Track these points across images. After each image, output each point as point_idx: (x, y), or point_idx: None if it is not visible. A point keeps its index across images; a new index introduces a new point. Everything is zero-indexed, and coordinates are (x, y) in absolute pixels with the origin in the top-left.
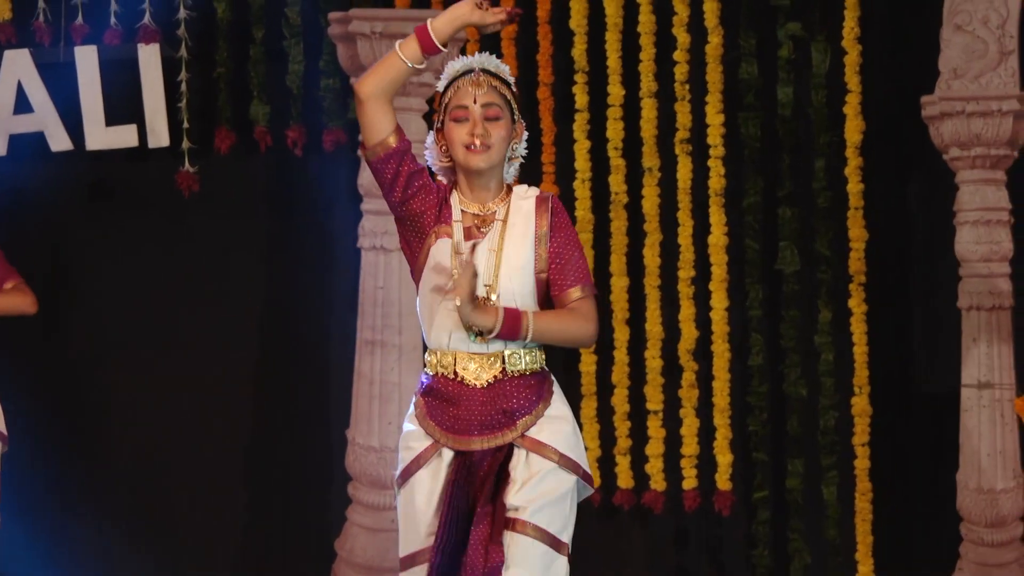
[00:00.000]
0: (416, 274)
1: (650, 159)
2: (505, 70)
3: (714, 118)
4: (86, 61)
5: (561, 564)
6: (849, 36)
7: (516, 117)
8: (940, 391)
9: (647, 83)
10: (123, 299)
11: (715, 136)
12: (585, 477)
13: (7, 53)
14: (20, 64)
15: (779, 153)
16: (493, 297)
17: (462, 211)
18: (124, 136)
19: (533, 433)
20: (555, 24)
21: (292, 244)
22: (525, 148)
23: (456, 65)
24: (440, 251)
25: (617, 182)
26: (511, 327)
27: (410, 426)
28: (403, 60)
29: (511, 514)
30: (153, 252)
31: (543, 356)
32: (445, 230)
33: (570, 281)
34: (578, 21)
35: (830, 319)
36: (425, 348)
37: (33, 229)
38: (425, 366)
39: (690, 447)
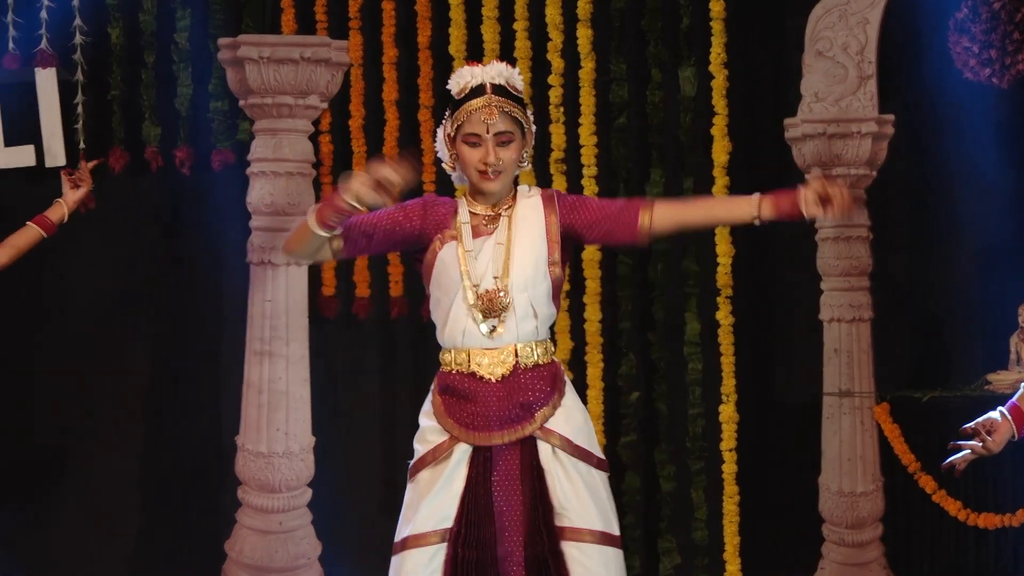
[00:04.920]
0: (427, 281)
1: (527, 178)
2: (517, 81)
3: (587, 139)
4: None
5: (618, 556)
6: (716, 61)
7: (526, 129)
8: (803, 399)
9: None
10: (22, 313)
11: (588, 156)
12: (599, 464)
13: None
14: None
15: (649, 172)
16: (502, 290)
17: (470, 212)
18: (22, 156)
19: (551, 424)
20: (435, 50)
21: (184, 259)
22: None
23: (467, 77)
24: (448, 253)
25: None
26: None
27: (427, 421)
28: (315, 231)
29: (559, 522)
30: (50, 267)
31: (553, 348)
32: (451, 235)
33: (613, 208)
34: (457, 47)
35: (699, 331)
36: (438, 348)
37: None
38: (440, 365)
39: None
